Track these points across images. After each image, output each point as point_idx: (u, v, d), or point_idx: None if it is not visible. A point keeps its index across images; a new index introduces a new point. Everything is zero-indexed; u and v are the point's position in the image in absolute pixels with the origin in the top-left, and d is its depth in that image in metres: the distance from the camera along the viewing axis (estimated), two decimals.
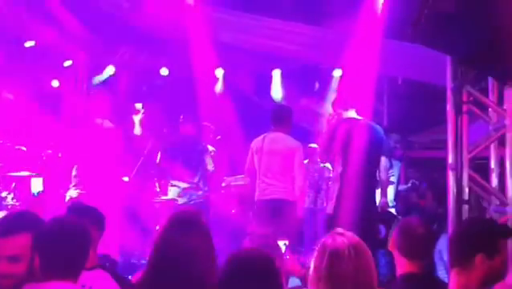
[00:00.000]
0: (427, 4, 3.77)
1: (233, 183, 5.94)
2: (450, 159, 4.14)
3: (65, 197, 4.65)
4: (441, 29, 3.86)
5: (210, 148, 6.25)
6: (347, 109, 4.80)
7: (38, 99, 7.56)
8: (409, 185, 6.99)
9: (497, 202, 4.21)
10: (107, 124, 4.64)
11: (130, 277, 3.16)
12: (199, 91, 6.48)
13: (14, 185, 5.58)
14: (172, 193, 6.02)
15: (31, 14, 6.58)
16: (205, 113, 6.61)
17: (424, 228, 2.55)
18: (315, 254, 1.93)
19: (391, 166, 5.91)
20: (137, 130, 5.02)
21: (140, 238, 5.64)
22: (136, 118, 5.05)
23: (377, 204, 5.05)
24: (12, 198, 5.40)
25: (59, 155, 5.62)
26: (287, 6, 6.03)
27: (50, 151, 5.69)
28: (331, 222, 4.62)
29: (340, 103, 4.91)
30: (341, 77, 7.34)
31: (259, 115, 6.80)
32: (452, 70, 4.23)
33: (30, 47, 7.04)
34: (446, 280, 2.76)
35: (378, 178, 4.99)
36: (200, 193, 5.89)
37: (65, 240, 1.96)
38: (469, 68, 4.25)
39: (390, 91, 8.40)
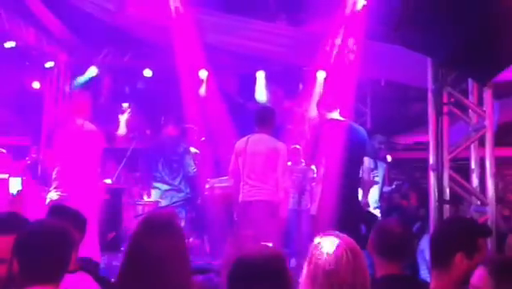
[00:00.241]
0: (408, 8, 3.83)
1: (216, 185, 5.92)
2: (431, 159, 4.19)
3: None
4: (422, 32, 3.92)
5: (193, 149, 6.23)
6: (330, 111, 4.82)
7: (19, 101, 7.46)
8: (393, 186, 7.05)
9: (478, 202, 4.28)
10: (88, 125, 4.59)
11: (113, 280, 3.14)
12: (183, 93, 6.45)
13: None
14: (154, 195, 6.00)
15: (11, 15, 6.48)
16: (189, 115, 6.59)
17: (401, 228, 2.55)
18: (310, 255, 1.91)
19: (375, 167, 5.97)
20: (122, 130, 4.95)
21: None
22: (122, 118, 4.99)
23: (360, 204, 5.09)
24: None
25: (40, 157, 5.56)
26: (271, 7, 6.06)
27: (34, 155, 5.61)
28: (314, 223, 4.65)
29: (324, 105, 4.93)
30: (325, 79, 7.37)
31: (243, 116, 6.81)
32: (432, 72, 4.29)
33: (11, 48, 6.93)
34: (429, 280, 2.77)
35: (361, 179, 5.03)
36: (181, 194, 5.87)
37: (47, 244, 1.89)
38: (450, 70, 4.32)
39: (373, 93, 8.48)
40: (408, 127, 8.85)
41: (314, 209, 4.65)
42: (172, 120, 6.34)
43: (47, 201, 4.41)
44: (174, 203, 5.82)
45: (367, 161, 5.39)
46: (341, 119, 4.75)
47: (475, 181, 4.36)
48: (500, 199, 6.20)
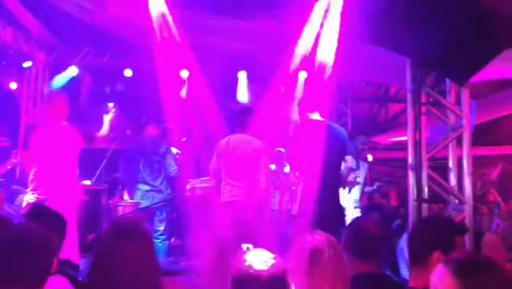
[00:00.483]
0: (387, 9, 3.87)
1: (198, 185, 5.89)
2: (410, 159, 4.25)
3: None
4: (401, 33, 3.97)
5: (174, 150, 6.20)
6: (311, 111, 4.84)
7: None
8: (375, 187, 7.11)
9: (456, 201, 4.35)
10: (66, 126, 4.52)
11: None
12: (163, 93, 6.41)
13: None
14: (136, 196, 5.96)
15: None
16: (170, 115, 6.55)
17: (375, 227, 2.56)
18: (294, 253, 1.91)
19: (357, 167, 6.02)
20: (105, 130, 4.89)
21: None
22: (107, 118, 4.93)
23: (340, 204, 5.12)
24: None
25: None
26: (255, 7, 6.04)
27: (15, 160, 5.52)
28: (296, 224, 4.66)
29: (305, 106, 4.95)
30: (306, 79, 7.40)
31: (225, 117, 6.79)
32: (411, 72, 4.35)
33: None
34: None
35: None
36: (161, 195, 5.84)
37: (27, 252, 1.82)
38: (428, 70, 4.38)
39: (354, 94, 8.55)
40: (388, 127, 8.95)
41: (296, 209, 4.66)
42: (152, 121, 6.30)
43: (24, 203, 4.33)
44: (155, 204, 5.78)
45: (350, 161, 5.43)
46: (321, 119, 4.77)
47: (453, 180, 4.43)
48: (478, 198, 6.32)
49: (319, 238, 1.89)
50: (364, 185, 6.30)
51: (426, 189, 4.22)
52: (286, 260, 1.90)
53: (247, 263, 1.77)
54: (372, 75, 7.02)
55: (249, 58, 7.19)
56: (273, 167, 6.21)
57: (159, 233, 5.79)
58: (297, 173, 5.23)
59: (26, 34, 7.17)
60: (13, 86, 7.87)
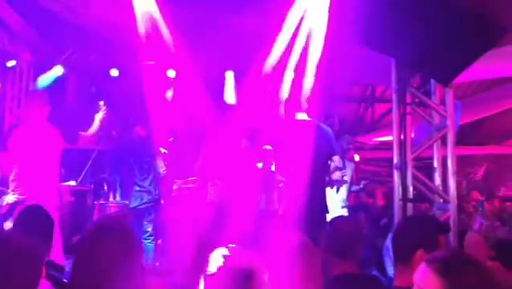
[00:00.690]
0: (372, 10, 3.89)
1: (184, 186, 5.88)
2: (395, 159, 4.28)
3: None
4: (386, 34, 3.99)
5: (162, 150, 6.18)
6: (298, 111, 4.86)
7: None
8: (361, 186, 7.15)
9: (441, 200, 4.39)
10: (46, 126, 4.47)
11: None
12: (149, 93, 6.37)
13: None
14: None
15: None
16: (156, 115, 6.51)
17: (351, 226, 2.57)
18: (269, 252, 1.92)
19: (344, 166, 6.05)
20: (95, 128, 4.85)
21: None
22: (98, 116, 4.89)
23: (326, 204, 5.13)
24: None
25: None
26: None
27: None
28: (282, 223, 4.67)
29: (292, 105, 4.97)
30: (293, 79, 7.41)
31: (211, 117, 6.77)
32: (396, 72, 4.38)
33: None
34: None
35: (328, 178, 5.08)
36: (150, 196, 5.81)
37: (13, 265, 1.76)
38: (413, 71, 4.42)
39: (340, 94, 8.58)
40: (374, 127, 9.00)
41: (282, 208, 4.68)
42: (141, 121, 6.27)
43: (4, 202, 4.28)
44: (143, 204, 5.75)
45: (338, 161, 5.45)
46: (308, 119, 4.79)
47: (437, 179, 4.47)
48: (463, 197, 6.39)
49: (292, 237, 1.90)
50: (351, 184, 6.33)
51: (411, 189, 4.25)
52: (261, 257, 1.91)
53: (215, 260, 1.80)
54: (358, 75, 7.06)
55: (236, 57, 7.18)
56: (260, 165, 6.21)
57: (148, 234, 5.77)
58: (281, 176, 5.24)
59: (10, 34, 7.08)
60: None
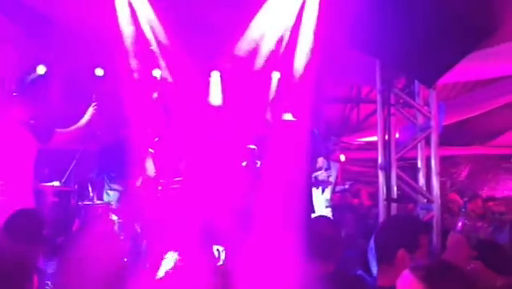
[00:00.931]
0: (358, 12, 3.92)
1: (170, 186, 5.85)
2: (380, 159, 4.31)
3: None
4: (370, 35, 4.02)
5: (150, 150, 6.15)
6: (283, 112, 4.88)
7: None
8: (346, 186, 7.19)
9: (424, 200, 4.43)
10: (19, 127, 4.41)
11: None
12: (135, 93, 6.33)
13: None
14: (111, 196, 5.86)
15: None
16: (142, 115, 6.48)
17: (328, 227, 2.58)
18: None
19: (329, 167, 6.07)
20: (84, 121, 4.80)
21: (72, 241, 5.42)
22: (89, 111, 4.84)
23: (313, 203, 5.16)
24: None
25: None
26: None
27: None
28: (265, 223, 4.66)
29: (277, 106, 4.99)
30: (279, 80, 7.42)
31: (198, 117, 6.75)
32: (380, 73, 4.41)
33: None
34: None
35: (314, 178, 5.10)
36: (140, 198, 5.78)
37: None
38: (398, 72, 4.45)
39: (326, 95, 8.60)
40: (360, 127, 9.04)
41: (266, 208, 4.67)
42: (127, 121, 6.22)
43: None
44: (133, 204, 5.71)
45: (321, 162, 5.48)
46: (293, 119, 4.81)
47: (421, 179, 4.51)
48: (444, 197, 6.42)
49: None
50: (335, 184, 6.36)
51: (395, 189, 4.28)
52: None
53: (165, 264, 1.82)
54: (344, 75, 7.09)
55: (222, 56, 7.16)
56: (244, 164, 6.21)
57: (134, 235, 5.72)
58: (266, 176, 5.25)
59: None
60: None
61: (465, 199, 5.71)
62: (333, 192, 6.30)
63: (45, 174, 5.48)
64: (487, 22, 3.98)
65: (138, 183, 5.77)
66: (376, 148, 4.46)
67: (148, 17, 5.74)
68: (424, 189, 4.42)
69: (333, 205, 6.27)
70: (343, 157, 8.17)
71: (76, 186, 6.25)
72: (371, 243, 4.94)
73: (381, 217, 4.25)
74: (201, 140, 5.57)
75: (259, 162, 6.41)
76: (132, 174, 5.83)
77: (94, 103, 4.88)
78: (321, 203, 5.83)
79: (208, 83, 7.52)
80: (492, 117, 8.65)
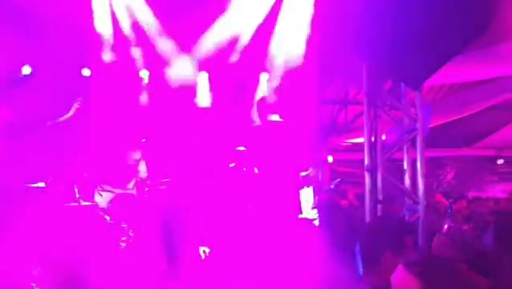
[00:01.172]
0: (344, 15, 3.94)
1: (157, 187, 5.82)
2: (366, 160, 4.32)
3: None
4: (357, 38, 4.04)
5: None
6: (271, 113, 4.88)
7: None
8: (332, 186, 7.19)
9: (410, 201, 4.46)
10: None
11: None
12: (123, 93, 6.30)
13: None
14: (105, 198, 5.81)
15: None
16: (130, 115, 6.44)
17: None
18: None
19: (316, 168, 6.09)
20: (70, 115, 4.76)
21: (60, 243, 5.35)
22: (72, 109, 4.81)
23: (301, 204, 5.17)
24: None
25: None
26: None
27: None
28: (253, 223, 4.67)
29: (264, 107, 4.99)
30: (267, 81, 7.42)
31: (186, 118, 6.72)
32: (367, 76, 4.43)
33: None
34: None
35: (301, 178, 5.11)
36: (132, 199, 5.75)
37: None
38: (384, 75, 4.47)
39: (315, 96, 8.61)
40: (348, 129, 9.06)
41: (255, 208, 4.67)
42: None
43: None
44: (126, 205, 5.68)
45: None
46: (280, 120, 4.81)
47: (407, 181, 4.53)
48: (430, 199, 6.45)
49: None
50: (321, 185, 6.37)
51: (381, 190, 4.30)
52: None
53: None
54: (331, 77, 7.11)
55: (210, 58, 7.14)
56: (232, 165, 6.20)
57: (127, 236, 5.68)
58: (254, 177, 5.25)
59: None
60: None
61: (451, 200, 5.75)
62: (319, 192, 6.30)
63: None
64: (473, 26, 4.02)
65: (130, 185, 5.74)
66: (363, 150, 4.47)
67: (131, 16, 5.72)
68: (410, 190, 4.45)
69: (319, 205, 6.27)
70: (330, 158, 8.20)
71: (62, 187, 6.18)
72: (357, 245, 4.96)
73: (367, 218, 4.27)
74: (188, 142, 5.55)
75: (248, 164, 6.41)
76: (125, 176, 5.80)
77: (78, 101, 4.85)
78: (307, 204, 5.83)
79: (195, 85, 7.50)
80: (478, 119, 8.73)
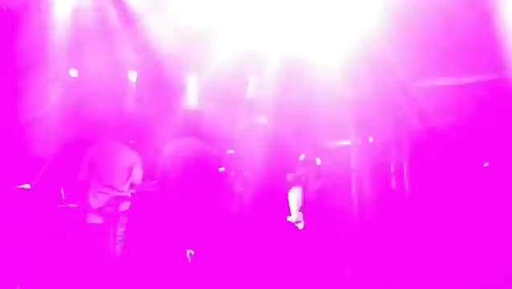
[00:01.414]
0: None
1: (144, 189, 5.82)
2: (353, 163, 4.37)
3: None
4: None
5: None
6: (258, 114, 4.90)
7: None
8: (318, 186, 7.21)
9: None
10: None
11: None
12: (109, 94, 6.28)
13: None
14: (100, 200, 5.79)
15: None
16: (117, 117, 6.42)
17: None
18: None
19: (303, 169, 6.10)
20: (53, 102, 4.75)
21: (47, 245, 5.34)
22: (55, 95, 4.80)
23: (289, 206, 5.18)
24: None
25: None
26: None
27: None
28: (241, 225, 4.69)
29: (251, 109, 5.01)
30: (254, 82, 7.43)
31: (174, 120, 6.72)
32: None
33: None
34: None
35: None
36: (128, 201, 5.75)
37: None
38: None
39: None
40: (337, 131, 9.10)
41: (242, 211, 4.69)
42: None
43: None
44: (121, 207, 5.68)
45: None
46: (265, 122, 4.84)
47: (393, 183, 4.59)
48: None
49: None
50: (308, 187, 6.39)
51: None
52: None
53: None
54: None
55: (198, 59, 7.15)
56: (222, 169, 6.20)
57: (120, 238, 5.66)
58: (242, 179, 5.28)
59: None
60: None
61: None
62: (306, 194, 6.32)
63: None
64: None
65: (125, 188, 5.72)
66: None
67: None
68: None
69: (306, 206, 6.29)
70: (318, 160, 8.23)
71: (48, 188, 6.14)
72: None
73: None
74: (176, 144, 5.54)
75: (237, 168, 6.41)
76: (120, 178, 5.79)
77: (59, 84, 4.83)
78: (293, 206, 5.85)
79: (184, 86, 7.52)
80: None
